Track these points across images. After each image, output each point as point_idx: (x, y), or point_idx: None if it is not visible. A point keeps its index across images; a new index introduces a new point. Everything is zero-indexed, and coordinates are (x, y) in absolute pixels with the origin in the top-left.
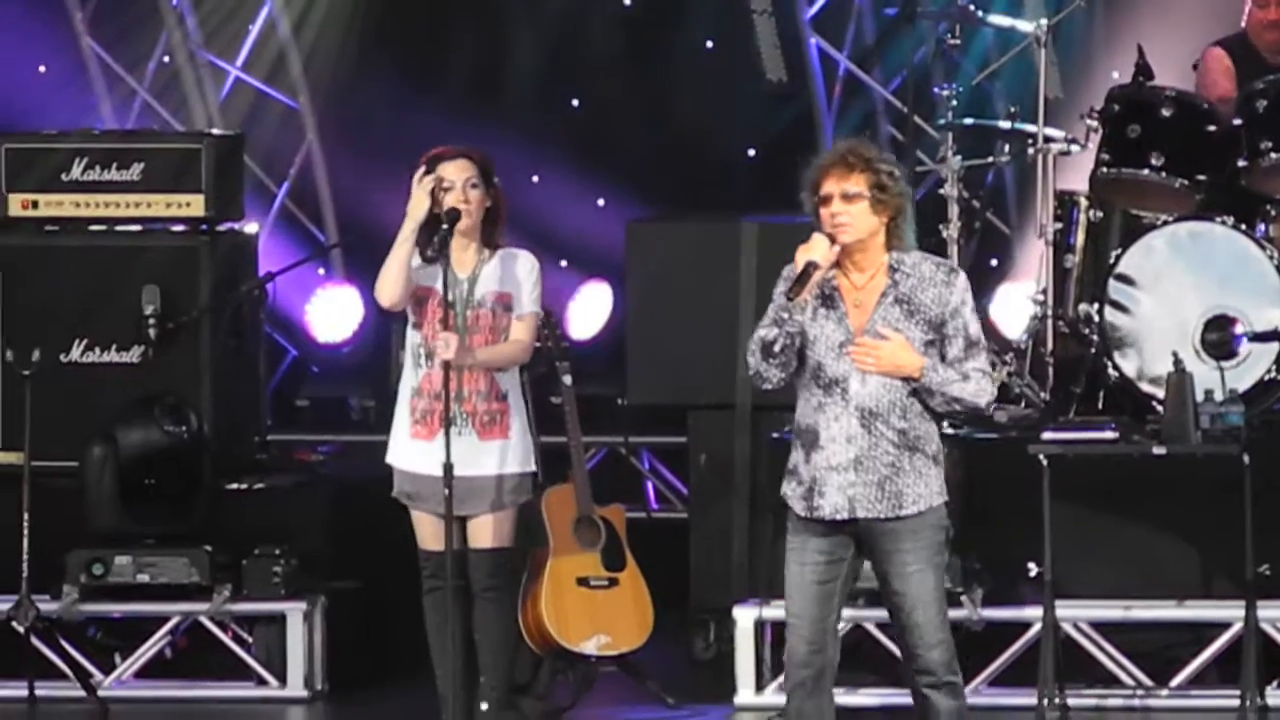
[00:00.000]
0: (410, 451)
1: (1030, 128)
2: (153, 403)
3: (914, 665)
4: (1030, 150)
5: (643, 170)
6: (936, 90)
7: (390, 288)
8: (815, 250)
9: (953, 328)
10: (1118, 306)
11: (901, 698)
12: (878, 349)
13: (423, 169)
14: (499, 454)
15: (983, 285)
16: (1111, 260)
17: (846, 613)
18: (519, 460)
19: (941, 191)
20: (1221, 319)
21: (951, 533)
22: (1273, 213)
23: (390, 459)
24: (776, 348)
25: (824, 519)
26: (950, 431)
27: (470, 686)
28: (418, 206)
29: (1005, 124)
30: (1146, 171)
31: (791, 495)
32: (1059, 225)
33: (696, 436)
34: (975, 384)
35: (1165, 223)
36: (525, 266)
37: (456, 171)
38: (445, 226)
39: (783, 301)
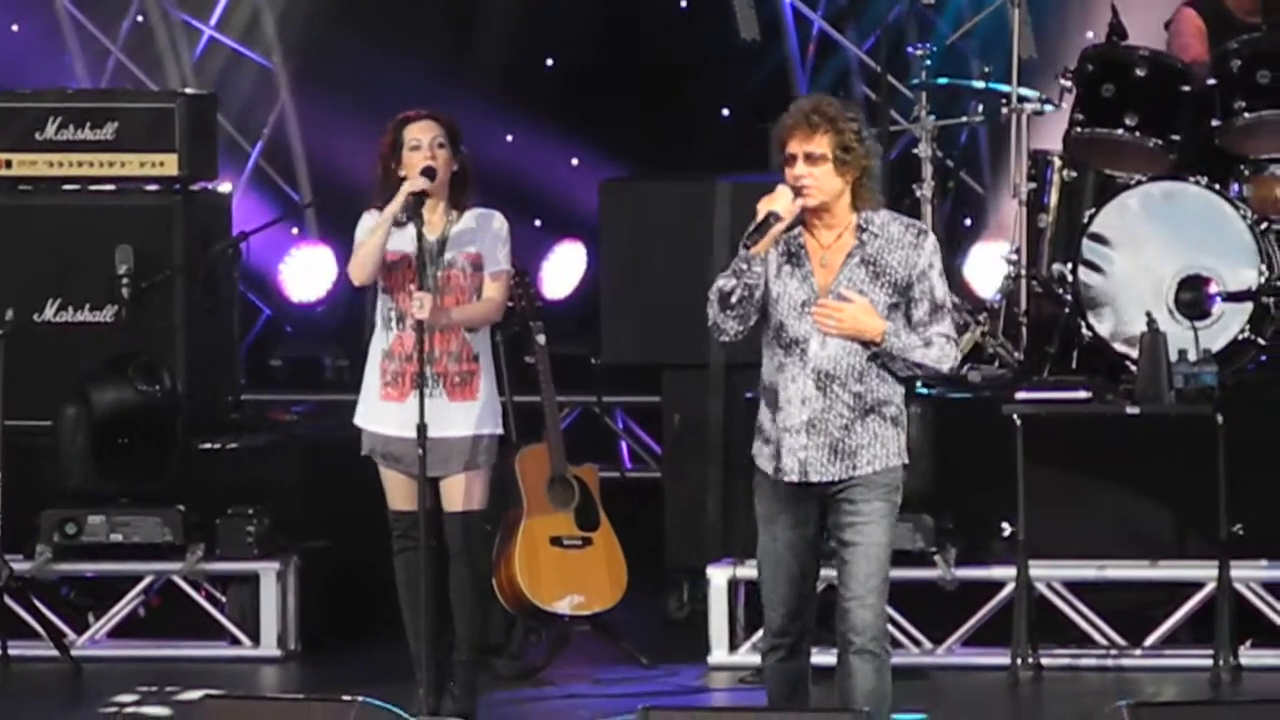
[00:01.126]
0: (381, 413)
1: (1004, 87)
2: (126, 362)
3: (843, 624)
4: (1004, 110)
5: (617, 130)
6: (910, 50)
7: (365, 270)
8: (778, 201)
9: (919, 290)
10: (1091, 266)
11: None
12: (840, 311)
13: (391, 134)
14: (470, 415)
15: (956, 245)
16: (1085, 220)
17: (822, 573)
18: (489, 422)
19: (915, 151)
20: (1195, 279)
21: (899, 499)
22: (1246, 172)
23: (359, 421)
24: (734, 299)
25: (784, 480)
26: (923, 391)
27: (441, 645)
28: (398, 206)
29: (979, 84)
30: (1120, 131)
31: (759, 455)
32: (1033, 185)
33: (670, 396)
34: (938, 349)
35: (1139, 182)
36: (495, 225)
37: (423, 131)
38: (421, 189)
39: (742, 252)
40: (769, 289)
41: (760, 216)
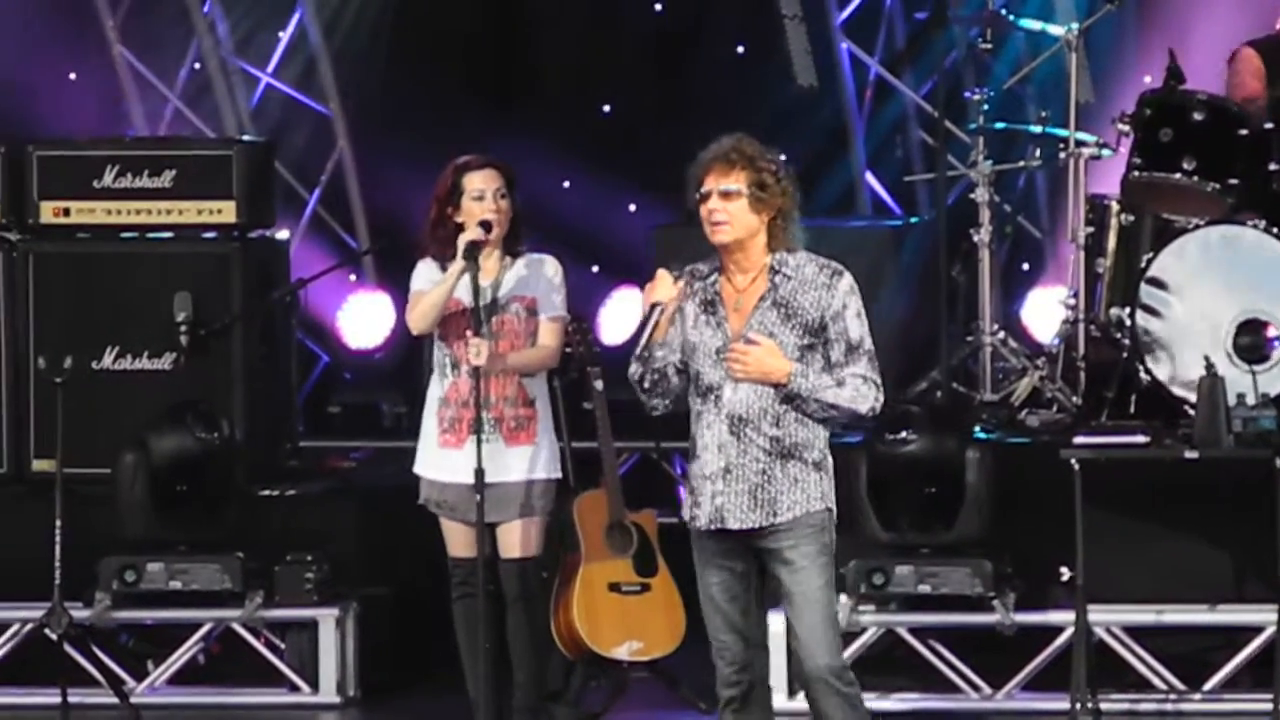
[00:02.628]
0: (439, 460)
1: (1062, 132)
2: (185, 409)
3: (801, 669)
4: (1061, 154)
5: (673, 175)
6: (967, 94)
7: (426, 322)
8: (659, 291)
9: (834, 331)
10: (1149, 311)
11: (936, 701)
12: (746, 355)
13: (450, 180)
14: (526, 460)
15: (1014, 289)
16: (1143, 264)
17: (879, 618)
18: (546, 467)
19: (973, 196)
20: (1253, 323)
21: (834, 543)
22: None
23: (418, 469)
24: (646, 383)
25: (702, 529)
26: (983, 436)
27: (501, 692)
28: (460, 268)
29: (1036, 128)
30: (1178, 175)
31: (685, 505)
32: (1090, 229)
33: None
34: (852, 389)
35: (1197, 226)
36: (548, 270)
37: (486, 181)
38: (478, 238)
39: (640, 345)
40: (686, 340)
41: (645, 309)
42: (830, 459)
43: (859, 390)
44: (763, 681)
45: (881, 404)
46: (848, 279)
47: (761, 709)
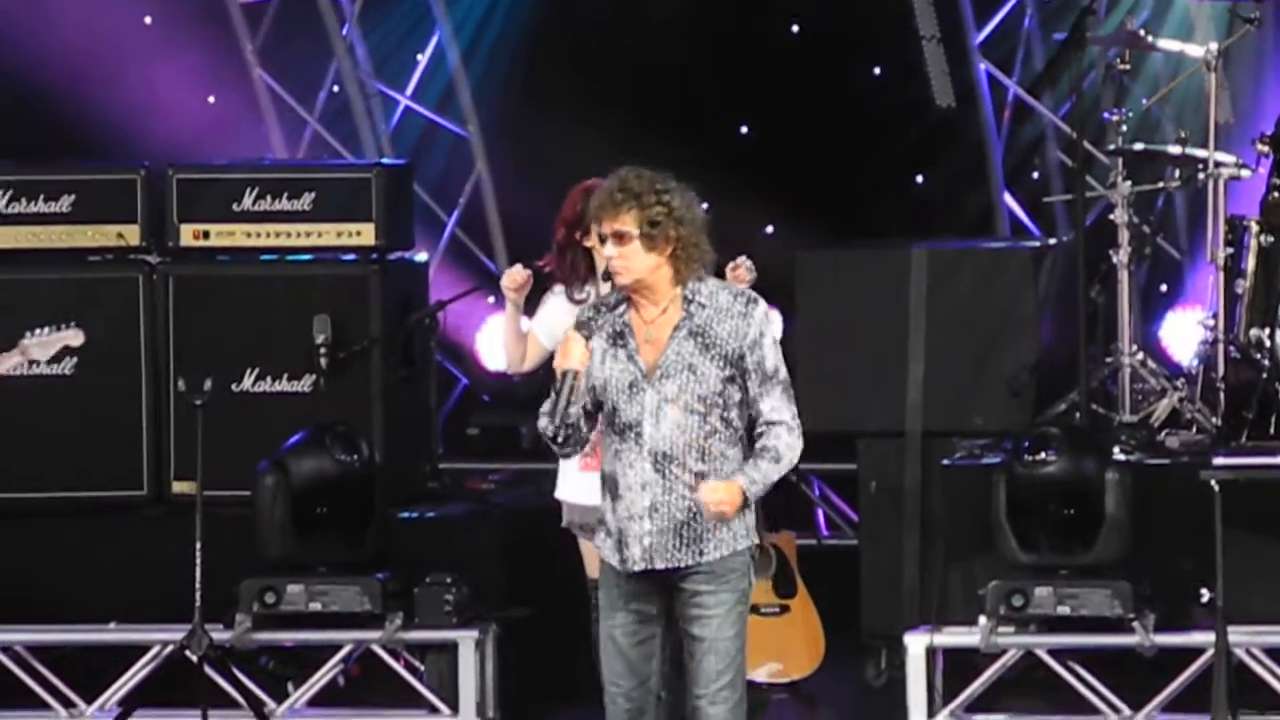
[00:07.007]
0: (580, 485)
1: (1201, 152)
2: (324, 432)
3: None
4: (1200, 175)
5: (811, 196)
6: (1106, 115)
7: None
8: (571, 357)
9: (751, 361)
10: None
11: None
12: (721, 503)
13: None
14: None
15: (1153, 311)
16: None
17: (1019, 639)
18: None
19: (1111, 217)
20: None
21: (752, 586)
22: None
23: (560, 494)
24: (560, 439)
25: (631, 572)
26: (1122, 458)
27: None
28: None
29: (1175, 149)
30: None
31: (603, 546)
32: (1229, 250)
33: (866, 463)
34: (785, 449)
35: None
36: None
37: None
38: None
39: (553, 407)
40: (594, 375)
41: (559, 379)
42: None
43: (788, 445)
44: None
45: (801, 445)
46: (762, 306)
47: None
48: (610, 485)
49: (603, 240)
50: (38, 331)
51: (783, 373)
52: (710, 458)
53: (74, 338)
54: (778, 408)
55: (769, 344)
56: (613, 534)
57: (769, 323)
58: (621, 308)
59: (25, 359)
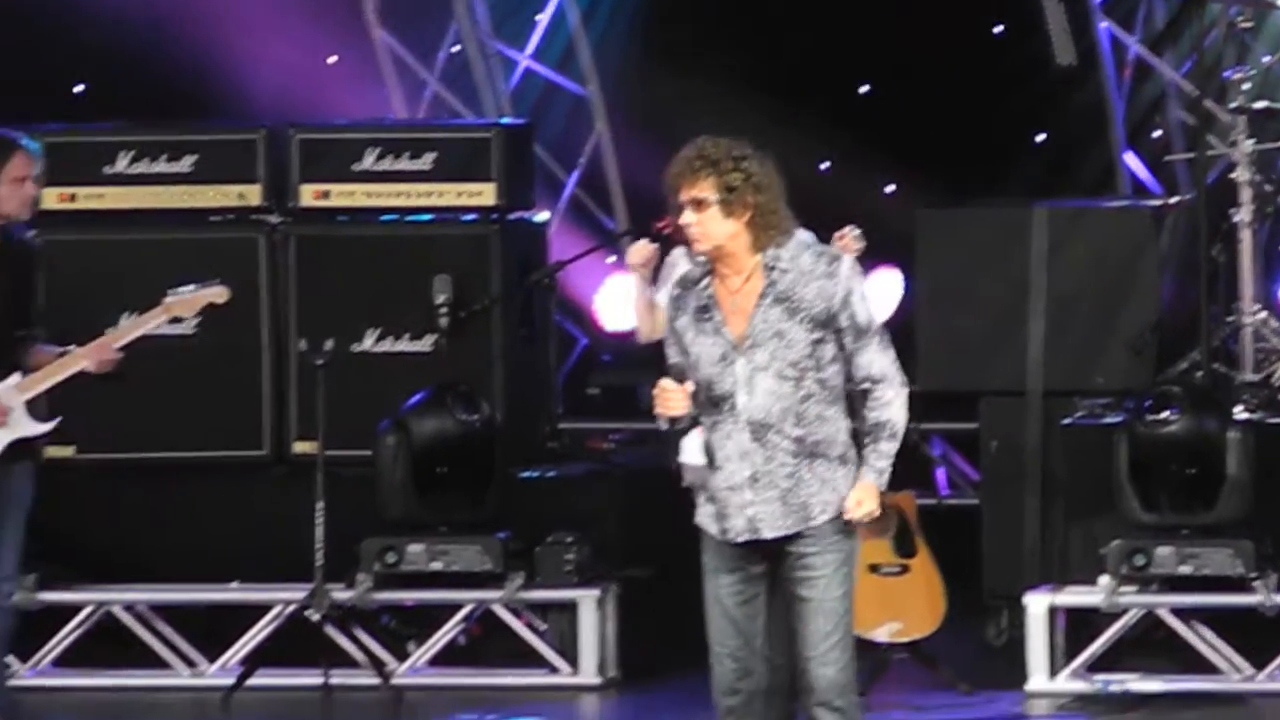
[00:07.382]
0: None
1: None
2: (445, 391)
3: (802, 681)
4: None
5: (931, 155)
6: (1228, 74)
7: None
8: (675, 407)
9: (844, 319)
10: None
11: (1198, 683)
12: (861, 506)
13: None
14: None
15: (1275, 269)
16: None
17: (1141, 599)
18: None
19: (1233, 176)
20: None
21: (858, 548)
22: None
23: (683, 457)
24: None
25: (734, 542)
26: (1244, 417)
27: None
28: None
29: None
30: None
31: (702, 514)
32: None
33: (988, 422)
34: (896, 417)
35: None
36: None
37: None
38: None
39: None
40: (687, 352)
41: (663, 422)
42: (854, 449)
43: (900, 411)
44: (761, 690)
45: (906, 395)
46: (847, 262)
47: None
48: (708, 455)
49: (681, 209)
50: (180, 290)
51: (876, 323)
52: (807, 421)
53: (218, 295)
54: (877, 360)
55: (858, 299)
56: (715, 502)
57: (855, 276)
58: (705, 280)
59: (168, 316)
